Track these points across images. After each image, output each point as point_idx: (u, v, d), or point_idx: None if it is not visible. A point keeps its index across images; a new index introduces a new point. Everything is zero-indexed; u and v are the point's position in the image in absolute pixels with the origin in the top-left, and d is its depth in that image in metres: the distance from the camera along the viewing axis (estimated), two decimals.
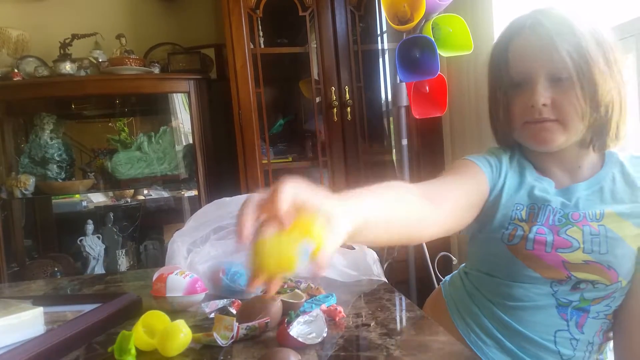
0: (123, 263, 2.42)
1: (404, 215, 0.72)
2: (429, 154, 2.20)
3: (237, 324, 0.73)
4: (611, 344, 0.93)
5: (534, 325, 0.88)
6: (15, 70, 2.20)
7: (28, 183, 2.24)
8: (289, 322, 0.72)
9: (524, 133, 0.89)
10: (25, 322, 0.77)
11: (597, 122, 0.85)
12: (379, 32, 2.33)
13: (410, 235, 0.79)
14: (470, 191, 0.88)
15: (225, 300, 0.89)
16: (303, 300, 0.85)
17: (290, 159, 2.30)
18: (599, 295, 0.86)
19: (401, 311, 0.85)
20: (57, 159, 2.33)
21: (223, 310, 0.85)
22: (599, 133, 0.87)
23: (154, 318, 0.75)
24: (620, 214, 0.86)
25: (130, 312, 0.89)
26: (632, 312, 0.88)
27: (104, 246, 2.38)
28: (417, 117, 1.73)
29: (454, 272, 1.09)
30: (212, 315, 0.84)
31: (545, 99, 0.84)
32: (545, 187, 0.91)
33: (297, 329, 0.72)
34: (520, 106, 0.87)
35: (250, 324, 0.74)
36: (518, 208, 0.90)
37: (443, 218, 0.80)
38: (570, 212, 0.88)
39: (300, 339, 0.69)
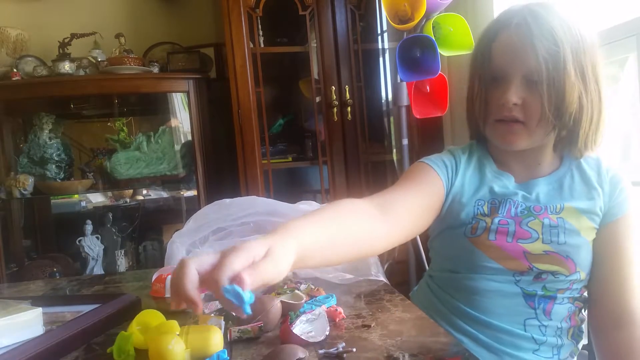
0: (122, 263, 2.41)
1: (349, 234, 0.74)
2: (430, 154, 2.19)
3: (223, 322, 0.74)
4: (583, 327, 0.97)
5: (502, 315, 0.90)
6: (14, 70, 2.19)
7: (27, 183, 2.23)
8: (291, 322, 0.72)
9: (493, 131, 0.92)
10: (24, 323, 0.76)
11: (565, 130, 0.89)
12: (379, 31, 2.32)
13: (361, 251, 0.80)
14: (424, 196, 0.92)
15: None
16: (303, 301, 0.84)
17: (290, 159, 2.29)
18: (560, 287, 0.90)
19: (402, 312, 0.84)
20: (56, 158, 2.32)
21: (222, 311, 0.84)
22: (568, 141, 0.91)
23: (148, 316, 0.75)
24: (578, 209, 0.91)
25: (130, 313, 0.88)
26: (608, 311, 0.92)
27: (102, 246, 2.37)
28: (418, 116, 1.73)
29: (420, 281, 1.11)
30: (212, 315, 0.83)
31: (517, 98, 0.86)
32: (505, 184, 0.95)
33: (300, 327, 0.71)
34: (494, 102, 0.90)
35: (242, 327, 0.74)
36: (480, 204, 0.94)
37: (396, 228, 0.83)
38: (532, 205, 0.92)
39: (303, 337, 0.69)
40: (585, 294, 0.96)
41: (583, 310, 0.97)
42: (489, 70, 0.90)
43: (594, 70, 0.87)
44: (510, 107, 0.87)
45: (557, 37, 0.83)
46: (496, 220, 0.90)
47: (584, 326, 0.98)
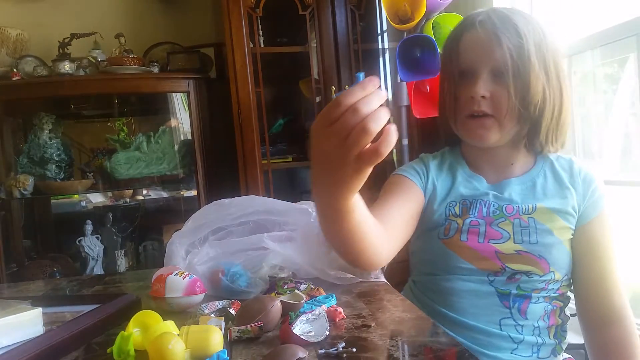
0: (122, 263, 2.41)
1: (369, 230, 0.75)
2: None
3: (223, 322, 0.74)
4: (567, 326, 0.98)
5: (478, 315, 0.91)
6: (14, 70, 2.19)
7: (27, 183, 2.23)
8: (291, 322, 0.72)
9: (464, 127, 0.94)
10: (24, 323, 0.76)
11: (529, 122, 0.91)
12: (379, 31, 2.32)
13: (367, 250, 0.79)
14: (410, 207, 0.95)
15: (225, 301, 0.88)
16: (303, 301, 0.84)
17: (290, 159, 2.29)
18: (535, 287, 0.91)
19: (402, 312, 0.84)
20: (56, 158, 2.32)
21: (222, 311, 0.84)
22: (531, 134, 0.93)
23: (146, 317, 0.75)
24: (550, 209, 0.92)
25: (130, 313, 0.88)
26: (594, 310, 0.94)
27: (103, 246, 2.37)
28: (418, 116, 1.73)
29: (405, 285, 1.12)
30: (213, 315, 0.83)
31: (485, 91, 0.89)
32: (475, 185, 0.97)
33: (300, 327, 0.71)
34: (463, 97, 0.92)
35: (242, 327, 0.74)
36: (451, 205, 0.96)
37: (393, 240, 0.88)
38: (505, 204, 0.94)
39: (303, 337, 0.69)
40: (568, 293, 0.97)
41: (565, 310, 0.97)
42: (456, 68, 0.93)
43: (556, 66, 0.90)
44: (479, 100, 0.89)
45: (520, 30, 0.88)
46: (467, 221, 0.92)
47: (569, 325, 0.98)
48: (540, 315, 0.92)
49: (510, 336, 0.90)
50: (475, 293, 0.91)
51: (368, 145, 0.53)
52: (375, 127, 0.52)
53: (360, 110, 0.52)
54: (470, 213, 0.94)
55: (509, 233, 0.91)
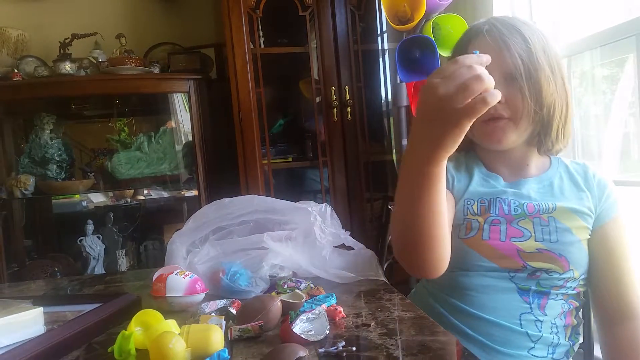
0: (123, 263, 2.42)
1: (441, 220, 0.73)
2: None
3: (223, 321, 0.74)
4: (580, 329, 1.00)
5: (498, 310, 0.92)
6: (15, 71, 2.19)
7: (28, 183, 2.24)
8: (292, 321, 0.72)
9: (481, 131, 0.95)
10: (25, 322, 0.77)
11: (541, 122, 0.93)
12: (379, 32, 2.32)
13: (430, 238, 0.75)
14: (449, 204, 0.95)
15: (225, 300, 0.89)
16: (303, 300, 0.85)
17: (290, 159, 2.29)
18: (555, 284, 0.92)
19: (401, 311, 0.84)
20: (57, 159, 2.32)
21: (223, 311, 0.85)
22: (543, 133, 0.95)
23: (147, 316, 0.75)
24: (570, 209, 0.95)
25: (130, 312, 0.88)
26: (609, 308, 0.96)
27: (104, 246, 2.38)
28: None
29: (417, 283, 1.13)
30: (213, 314, 0.84)
31: (500, 96, 0.89)
32: (493, 184, 0.99)
33: (300, 327, 0.72)
34: None
35: (242, 326, 0.74)
36: (469, 203, 0.97)
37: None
38: (525, 202, 0.95)
39: (303, 336, 0.69)
40: (583, 295, 0.98)
41: (580, 312, 0.98)
42: None
43: (559, 68, 0.94)
44: (495, 105, 0.90)
45: (526, 36, 0.91)
46: (489, 219, 0.93)
47: (581, 328, 1.00)
48: (558, 313, 0.93)
49: (528, 334, 0.91)
50: (495, 288, 0.92)
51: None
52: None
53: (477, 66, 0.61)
54: (491, 211, 0.95)
55: (529, 231, 0.92)
